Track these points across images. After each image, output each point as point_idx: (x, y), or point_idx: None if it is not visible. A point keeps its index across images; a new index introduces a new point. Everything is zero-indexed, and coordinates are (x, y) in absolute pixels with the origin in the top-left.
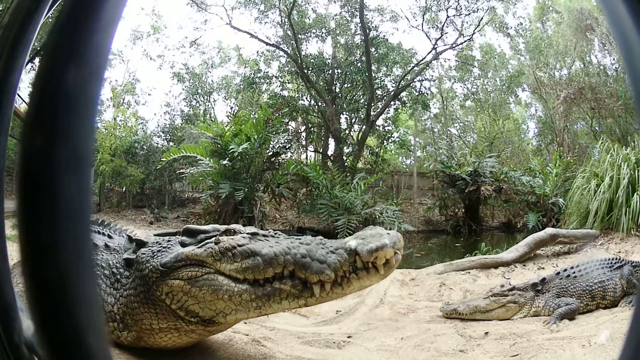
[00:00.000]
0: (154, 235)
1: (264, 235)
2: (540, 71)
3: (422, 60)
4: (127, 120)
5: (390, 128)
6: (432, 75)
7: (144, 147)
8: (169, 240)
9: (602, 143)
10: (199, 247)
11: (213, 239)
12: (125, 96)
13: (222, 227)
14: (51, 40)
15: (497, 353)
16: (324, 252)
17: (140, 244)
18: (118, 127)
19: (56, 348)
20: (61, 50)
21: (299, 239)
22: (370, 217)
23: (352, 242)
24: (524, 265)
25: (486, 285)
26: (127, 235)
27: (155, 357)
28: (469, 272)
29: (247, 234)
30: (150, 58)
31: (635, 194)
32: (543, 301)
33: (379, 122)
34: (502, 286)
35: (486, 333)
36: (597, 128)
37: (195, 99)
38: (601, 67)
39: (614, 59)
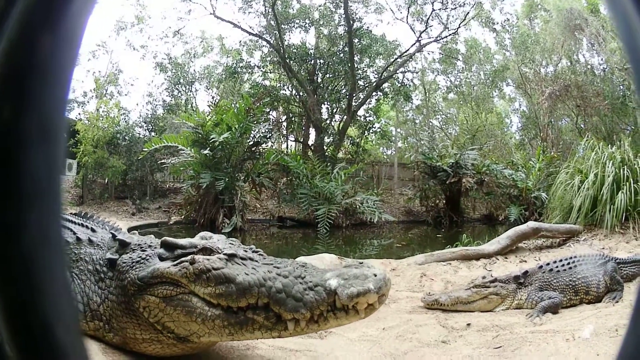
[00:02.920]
0: (132, 230)
1: (242, 259)
2: (526, 67)
3: (405, 52)
4: (109, 111)
5: (371, 118)
6: (415, 67)
7: (126, 137)
8: (150, 245)
9: (587, 140)
10: (174, 265)
11: (189, 257)
12: (108, 87)
13: (200, 243)
14: (25, 5)
15: (480, 344)
16: (301, 288)
17: (124, 244)
18: (100, 119)
19: (21, 339)
20: (35, 16)
21: (278, 267)
22: (351, 207)
23: (333, 281)
24: (506, 258)
25: (467, 276)
26: (111, 232)
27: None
28: (450, 263)
29: (225, 254)
30: (134, 48)
31: (620, 192)
32: (526, 294)
33: (361, 112)
34: (484, 278)
35: (468, 324)
36: (582, 125)
37: (177, 88)
38: (588, 67)
39: (602, 59)
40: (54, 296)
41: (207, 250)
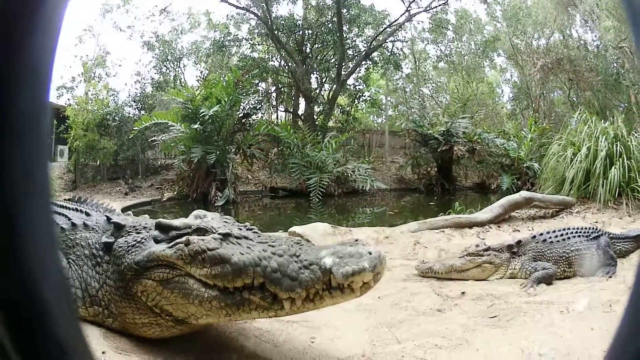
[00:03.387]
0: (126, 210)
1: (236, 238)
2: (517, 38)
3: (394, 22)
4: (98, 93)
5: (361, 87)
6: (405, 37)
7: (116, 118)
8: (144, 227)
9: (579, 114)
10: (169, 247)
11: (184, 238)
12: (96, 70)
13: (194, 224)
14: None
15: (475, 314)
16: (296, 267)
17: (119, 226)
18: (90, 102)
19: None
20: None
21: (273, 245)
22: (342, 175)
23: (328, 259)
24: (499, 227)
25: (461, 244)
26: (106, 215)
27: None
28: (443, 231)
29: (219, 234)
30: (120, 29)
31: (613, 168)
32: (519, 264)
33: (350, 81)
34: (477, 246)
35: (463, 293)
36: (574, 99)
37: (165, 65)
38: (581, 42)
39: (595, 36)
40: (36, 243)
41: (201, 231)
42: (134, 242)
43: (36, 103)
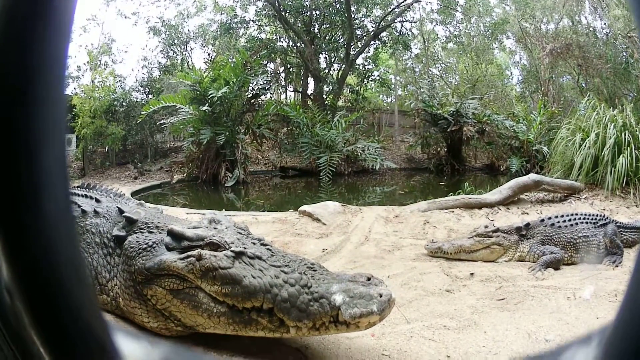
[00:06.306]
0: (136, 194)
1: (249, 257)
2: (526, 22)
3: (402, 2)
4: (104, 80)
5: (370, 67)
6: (413, 17)
7: (124, 103)
8: (157, 226)
9: (588, 100)
10: (181, 259)
11: (196, 252)
12: (101, 58)
13: (207, 236)
14: None
15: (484, 295)
16: (306, 299)
17: (131, 221)
18: (96, 89)
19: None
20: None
21: (286, 271)
22: (352, 154)
23: (338, 297)
24: (508, 209)
25: (470, 225)
26: (118, 207)
27: None
28: (453, 211)
29: (232, 252)
30: (125, 16)
31: (621, 156)
32: (528, 246)
33: (359, 61)
34: (486, 227)
35: (472, 274)
36: (583, 85)
37: (172, 49)
38: (590, 29)
39: (604, 24)
40: (52, 194)
41: (214, 245)
42: (146, 245)
43: (57, 57)
